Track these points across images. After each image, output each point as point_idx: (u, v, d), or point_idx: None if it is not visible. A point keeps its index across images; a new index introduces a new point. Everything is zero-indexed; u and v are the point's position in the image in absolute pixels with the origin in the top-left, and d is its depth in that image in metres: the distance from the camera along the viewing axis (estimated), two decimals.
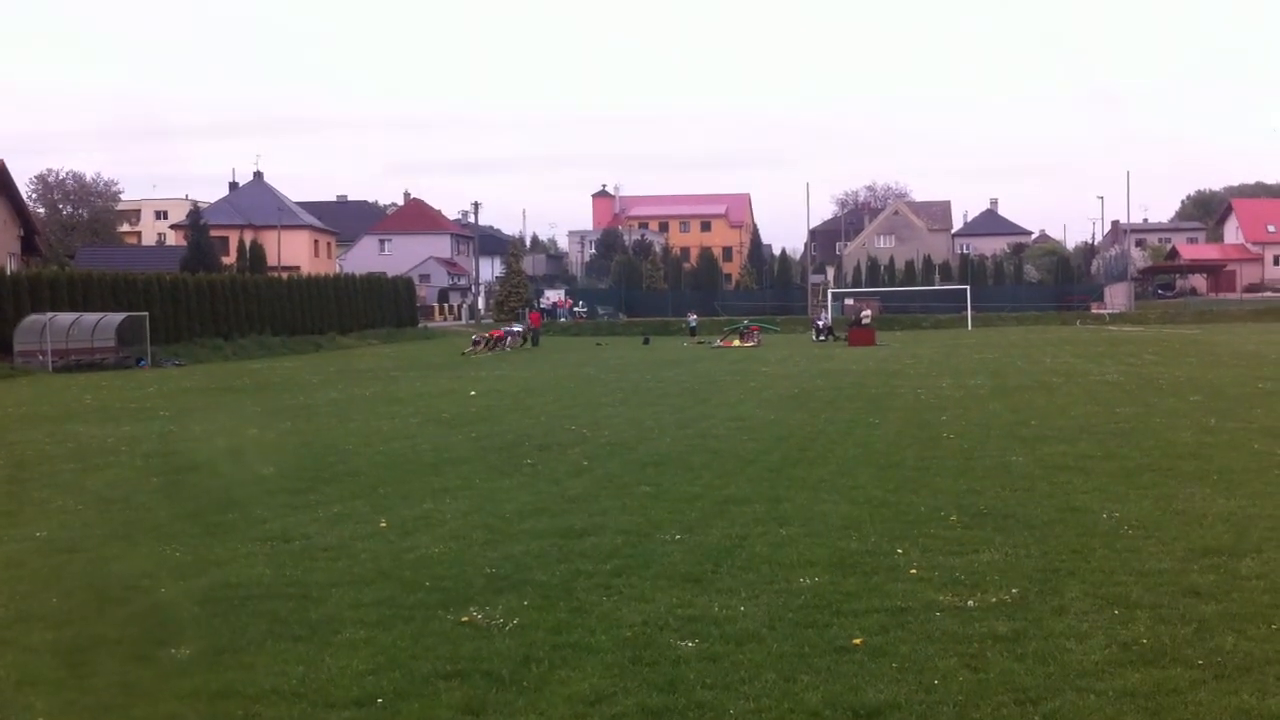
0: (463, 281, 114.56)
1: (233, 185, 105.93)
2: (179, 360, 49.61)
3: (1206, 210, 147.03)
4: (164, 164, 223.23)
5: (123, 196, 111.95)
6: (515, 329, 61.78)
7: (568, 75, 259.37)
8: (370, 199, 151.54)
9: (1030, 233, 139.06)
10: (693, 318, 73.48)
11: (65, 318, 46.86)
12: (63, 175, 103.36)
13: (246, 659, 7.45)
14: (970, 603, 8.29)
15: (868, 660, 7.10)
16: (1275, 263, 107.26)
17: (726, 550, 10.14)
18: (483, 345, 55.49)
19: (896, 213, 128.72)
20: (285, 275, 72.89)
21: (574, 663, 7.19)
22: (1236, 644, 7.24)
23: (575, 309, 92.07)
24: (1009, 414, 20.80)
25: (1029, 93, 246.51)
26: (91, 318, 48.16)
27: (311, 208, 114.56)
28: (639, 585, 9.00)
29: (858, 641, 7.45)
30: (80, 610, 8.71)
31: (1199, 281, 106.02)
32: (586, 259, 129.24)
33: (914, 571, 9.21)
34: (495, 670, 7.06)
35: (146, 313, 49.85)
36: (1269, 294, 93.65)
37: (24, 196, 71.27)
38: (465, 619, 8.19)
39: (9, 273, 50.47)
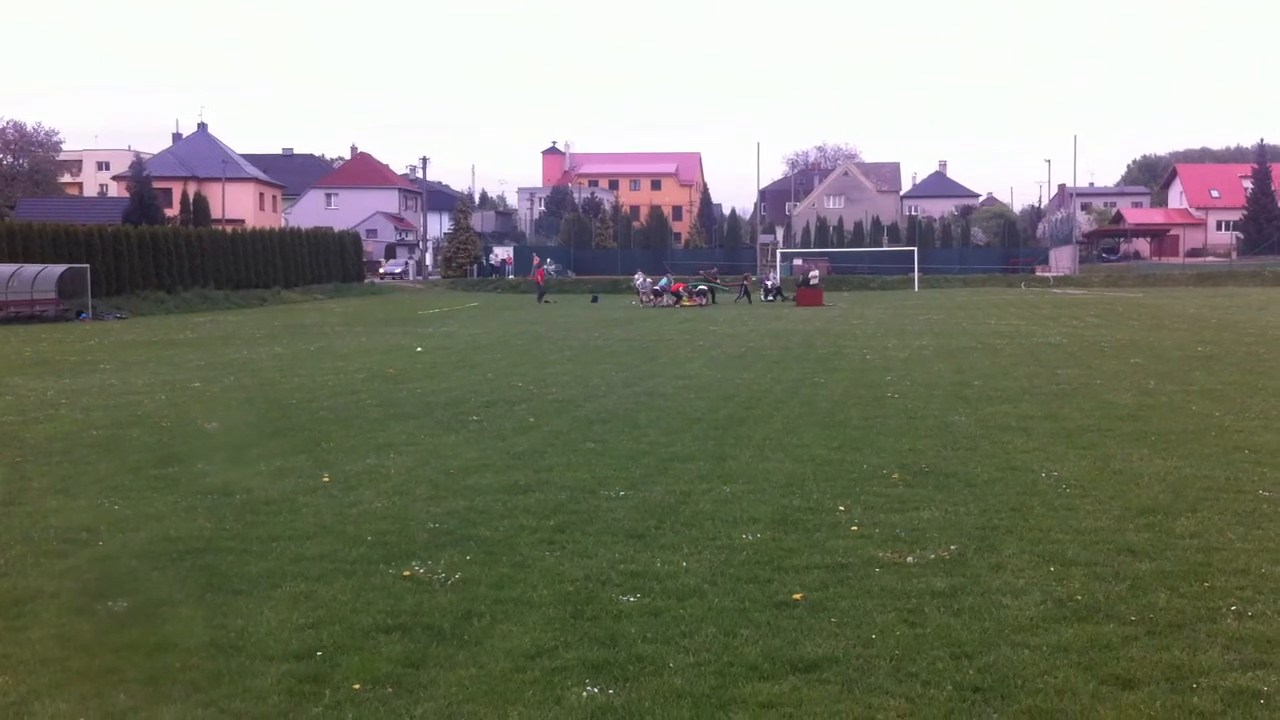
0: (410, 237, 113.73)
1: (176, 136, 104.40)
2: (121, 313, 48.97)
3: (1152, 175, 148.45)
4: (106, 114, 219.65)
5: (64, 147, 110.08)
6: (701, 288, 59.45)
7: (517, 31, 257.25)
8: (317, 152, 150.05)
9: (978, 195, 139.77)
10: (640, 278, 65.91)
11: (4, 269, 46.09)
12: (3, 124, 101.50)
13: (186, 612, 7.41)
14: (910, 559, 8.38)
15: (807, 615, 7.17)
16: (1218, 228, 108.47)
17: (670, 507, 10.19)
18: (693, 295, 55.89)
19: (846, 174, 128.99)
20: (230, 228, 72.03)
21: (515, 617, 7.21)
22: (1169, 601, 7.36)
23: (545, 265, 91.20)
24: (953, 375, 20.98)
25: (979, 55, 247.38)
26: (31, 269, 47.40)
27: (257, 160, 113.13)
28: (582, 541, 9.02)
29: (798, 597, 7.52)
30: (19, 563, 8.63)
31: (1143, 245, 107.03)
32: (536, 216, 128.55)
33: (855, 529, 9.30)
34: (436, 624, 7.06)
35: (88, 265, 49.11)
36: (1211, 259, 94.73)
37: None
38: (407, 573, 8.18)
39: None
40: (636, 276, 63.69)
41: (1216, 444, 13.19)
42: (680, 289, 57.49)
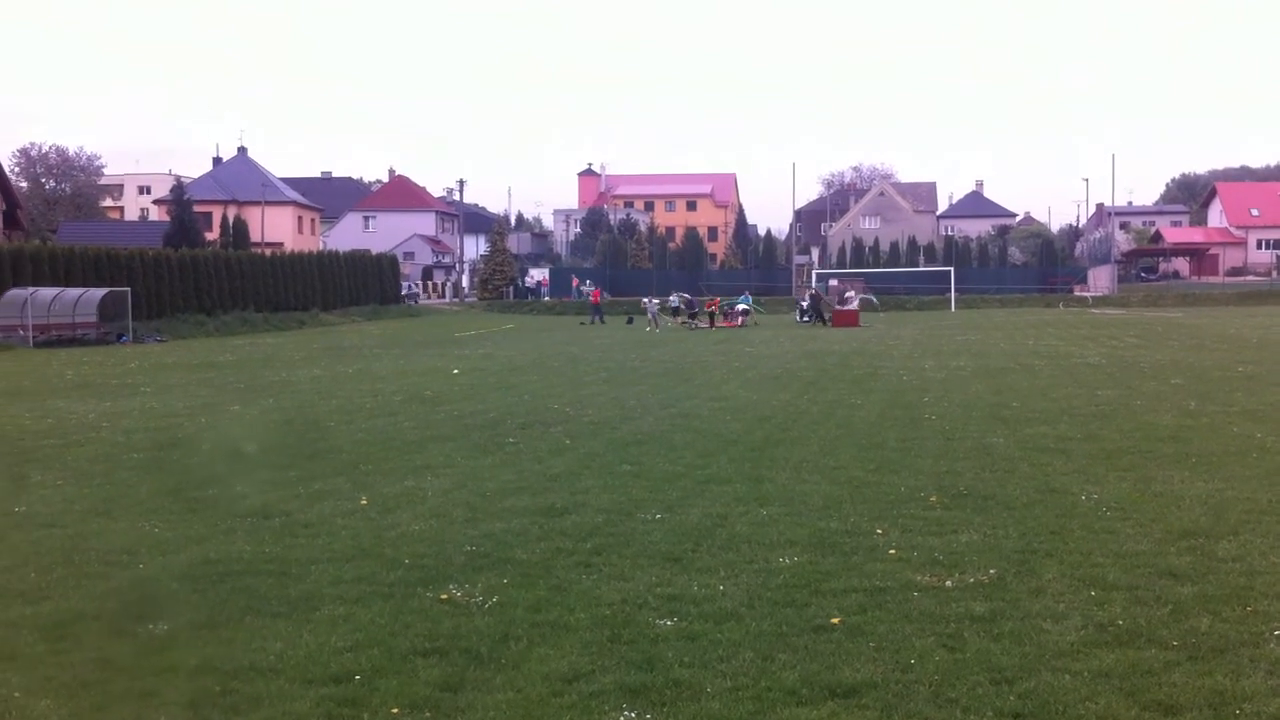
0: (447, 259, 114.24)
1: (216, 160, 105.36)
2: (161, 336, 49.41)
3: (1191, 194, 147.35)
4: (148, 138, 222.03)
5: (105, 171, 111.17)
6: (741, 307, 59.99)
7: (554, 53, 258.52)
8: (355, 175, 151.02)
9: (1015, 215, 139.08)
10: (655, 301, 60.86)
11: (47, 293, 46.62)
12: (45, 149, 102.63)
13: (225, 635, 7.45)
14: (948, 583, 8.33)
15: (845, 639, 7.13)
16: (1259, 246, 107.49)
17: (707, 530, 10.16)
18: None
19: (882, 194, 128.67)
20: (269, 251, 72.61)
21: (553, 640, 7.20)
22: (1212, 625, 7.28)
23: (583, 287, 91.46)
24: (991, 395, 20.86)
25: (1017, 74, 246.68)
26: (73, 293, 47.92)
27: (295, 184, 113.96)
28: (619, 564, 9.01)
29: (836, 621, 7.48)
30: (59, 585, 8.70)
31: (1182, 265, 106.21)
32: (571, 238, 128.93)
33: (893, 552, 9.25)
34: (474, 647, 7.07)
35: (129, 288, 49.57)
36: (1251, 278, 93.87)
37: (6, 170, 70.76)
38: (445, 596, 8.19)
39: None
40: (669, 298, 62.60)
41: (1258, 465, 13.05)
42: (714, 308, 57.20)
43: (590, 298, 70.17)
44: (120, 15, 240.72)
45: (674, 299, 61.27)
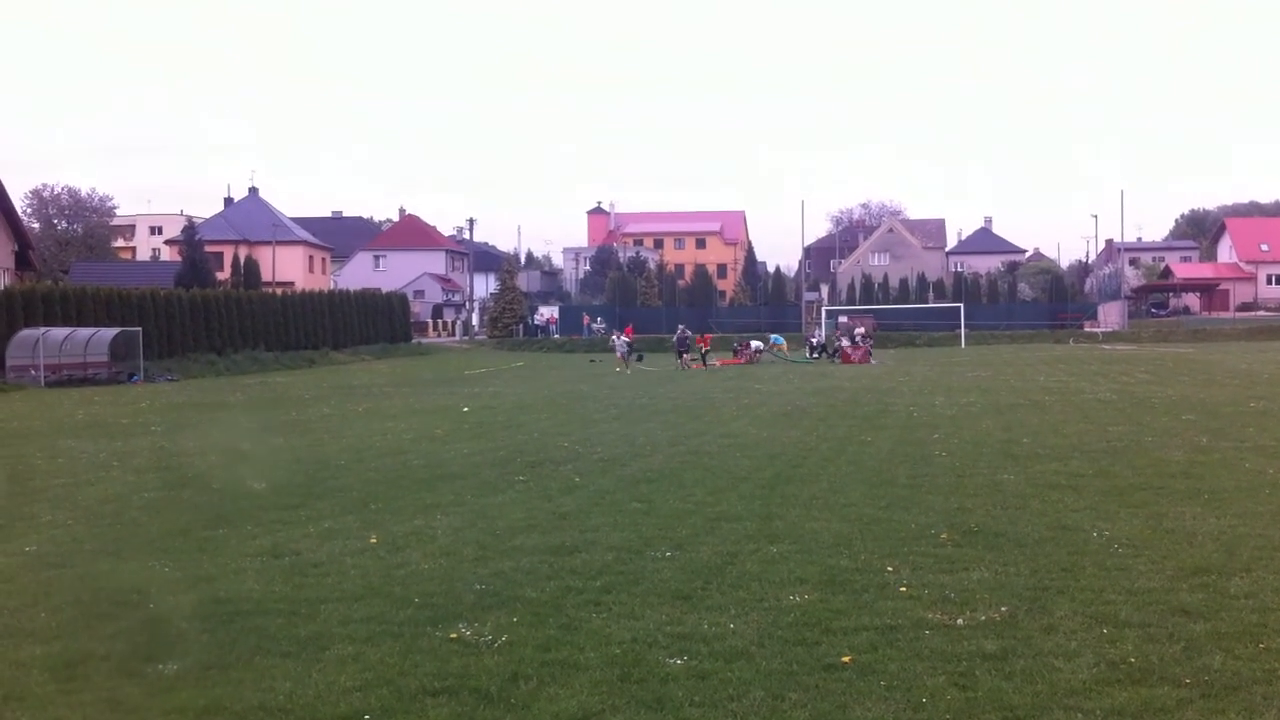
0: (457, 298, 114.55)
1: (228, 201, 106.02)
2: (172, 375, 49.57)
3: (1200, 229, 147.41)
4: (159, 179, 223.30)
5: (117, 212, 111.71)
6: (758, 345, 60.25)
7: (563, 91, 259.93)
8: (365, 215, 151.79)
9: (1024, 251, 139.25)
10: (625, 339, 59.33)
11: (58, 333, 46.83)
12: (58, 190, 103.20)
13: (234, 674, 7.44)
14: (960, 621, 8.30)
15: (856, 678, 7.10)
16: (1269, 282, 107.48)
17: (717, 568, 10.14)
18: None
19: (891, 231, 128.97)
20: (279, 291, 72.88)
21: (562, 680, 7.18)
22: (1224, 663, 7.25)
23: (594, 326, 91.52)
24: (1001, 432, 20.81)
25: (1026, 110, 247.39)
26: (85, 333, 48.12)
27: (306, 223, 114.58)
28: (629, 602, 8.99)
29: (847, 659, 7.45)
30: (69, 625, 8.69)
31: (1192, 300, 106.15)
32: (581, 275, 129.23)
33: (904, 589, 9.21)
34: (483, 687, 7.05)
35: (140, 328, 49.84)
36: (1262, 313, 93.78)
37: (18, 211, 71.12)
38: (454, 635, 8.18)
39: (2, 287, 50.42)
40: (613, 335, 60.33)
41: (1271, 501, 13.00)
42: (706, 345, 56.60)
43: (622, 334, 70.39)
44: (131, 51, 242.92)
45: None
